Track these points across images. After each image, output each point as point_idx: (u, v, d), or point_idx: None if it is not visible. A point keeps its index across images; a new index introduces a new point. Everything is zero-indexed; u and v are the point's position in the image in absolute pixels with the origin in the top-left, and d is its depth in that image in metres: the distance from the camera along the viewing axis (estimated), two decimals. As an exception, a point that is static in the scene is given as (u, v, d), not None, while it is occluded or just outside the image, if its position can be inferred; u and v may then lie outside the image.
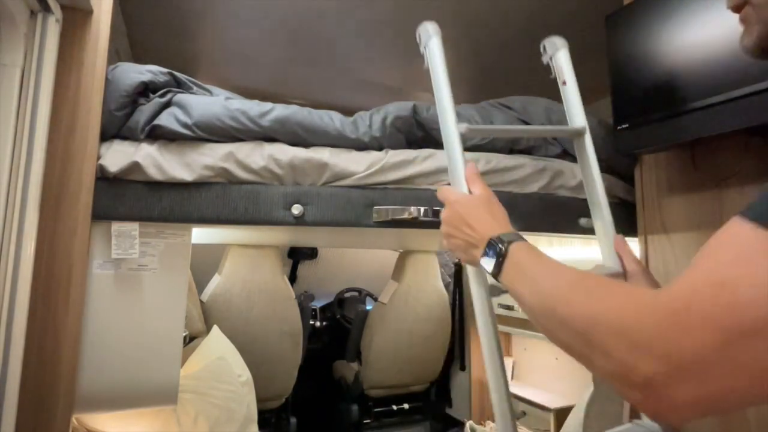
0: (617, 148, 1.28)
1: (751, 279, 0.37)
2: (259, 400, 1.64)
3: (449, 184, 0.91)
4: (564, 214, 1.37)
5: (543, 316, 0.54)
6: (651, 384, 0.40)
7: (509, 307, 2.36)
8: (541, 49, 1.11)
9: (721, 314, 0.38)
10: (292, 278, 3.15)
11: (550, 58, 1.10)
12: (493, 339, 0.84)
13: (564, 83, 1.05)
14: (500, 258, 0.65)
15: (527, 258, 0.63)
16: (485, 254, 0.69)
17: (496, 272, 0.66)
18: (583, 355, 0.47)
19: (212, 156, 1.13)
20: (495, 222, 0.72)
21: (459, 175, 0.87)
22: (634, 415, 1.26)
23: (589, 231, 1.36)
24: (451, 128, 0.92)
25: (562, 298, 0.51)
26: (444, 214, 0.80)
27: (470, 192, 0.83)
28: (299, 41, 1.89)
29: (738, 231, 0.41)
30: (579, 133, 1.03)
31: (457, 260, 2.82)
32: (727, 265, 0.40)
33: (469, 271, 0.84)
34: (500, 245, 0.66)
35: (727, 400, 0.39)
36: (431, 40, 0.98)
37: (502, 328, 2.51)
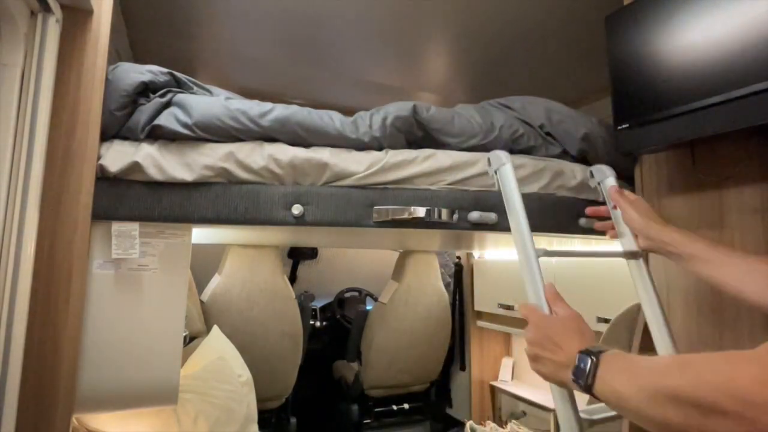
0: (617, 148, 1.28)
1: None
2: (259, 400, 1.64)
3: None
4: (564, 214, 1.37)
5: (652, 406, 0.55)
6: None
7: (509, 307, 2.36)
8: (588, 174, 1.22)
9: None
10: (292, 278, 3.16)
11: (599, 184, 1.19)
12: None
13: (614, 207, 1.12)
14: (593, 368, 0.66)
15: (623, 361, 0.64)
16: (576, 369, 0.69)
17: (590, 383, 0.66)
18: (702, 428, 0.49)
19: (212, 156, 1.13)
20: (584, 340, 0.73)
21: (540, 295, 0.90)
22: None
23: (589, 231, 1.36)
24: (530, 251, 0.96)
25: (669, 381, 0.53)
26: (529, 335, 0.81)
27: (552, 312, 0.86)
28: (299, 41, 1.89)
29: None
30: (633, 255, 1.08)
31: (457, 260, 2.82)
32: None
33: (554, 390, 0.84)
34: (591, 356, 0.67)
35: None
36: (504, 167, 1.08)
37: (502, 328, 2.51)
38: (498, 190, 1.10)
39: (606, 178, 1.18)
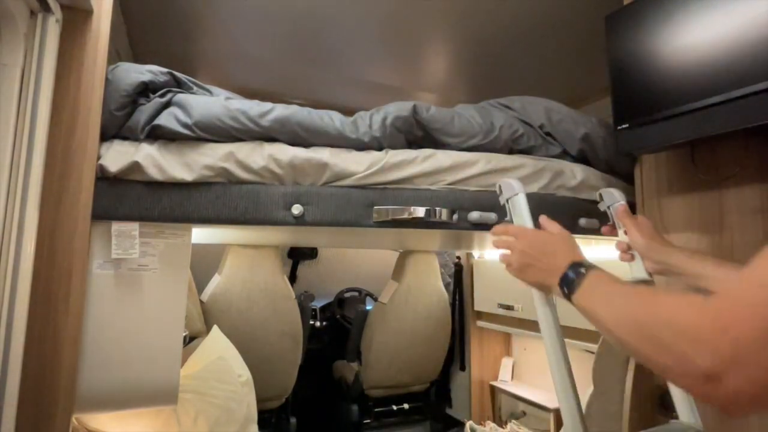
0: (617, 148, 1.27)
1: None
2: (259, 400, 1.64)
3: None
4: (564, 214, 1.37)
5: (617, 327, 0.63)
6: (710, 375, 0.46)
7: (509, 307, 2.36)
8: (598, 197, 1.23)
9: (764, 309, 0.45)
10: (292, 278, 3.15)
11: (608, 207, 1.19)
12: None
13: (625, 233, 1.12)
14: (579, 280, 0.75)
15: (605, 283, 0.72)
16: (564, 276, 0.78)
17: (571, 292, 0.75)
18: (651, 358, 0.55)
19: (212, 156, 1.13)
20: (576, 254, 0.83)
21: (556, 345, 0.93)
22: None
23: (589, 231, 1.36)
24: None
25: (633, 309, 0.61)
26: (521, 246, 0.90)
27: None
28: (299, 41, 1.89)
29: None
30: (645, 284, 1.07)
31: (457, 260, 2.82)
32: None
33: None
34: (582, 268, 0.76)
35: None
36: (517, 197, 1.07)
37: (502, 328, 2.51)
38: (510, 220, 1.07)
39: (616, 202, 1.17)
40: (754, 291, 0.47)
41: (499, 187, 1.10)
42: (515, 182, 1.08)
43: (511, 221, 1.06)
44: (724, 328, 0.46)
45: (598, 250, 1.87)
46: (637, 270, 1.08)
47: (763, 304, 0.45)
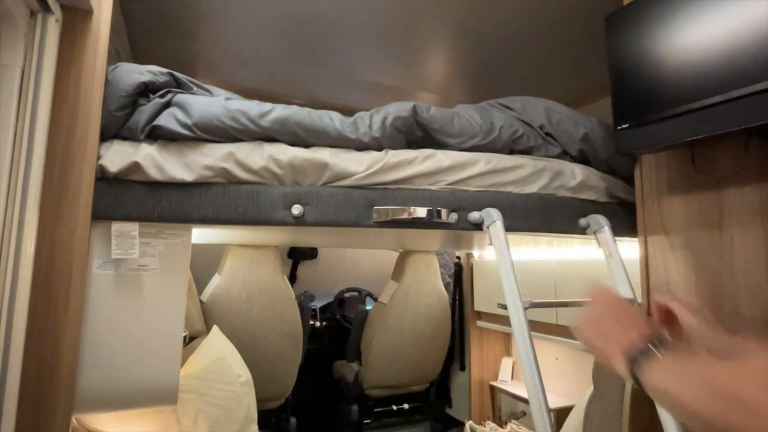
0: (617, 148, 1.27)
1: None
2: (259, 400, 1.64)
3: None
4: (564, 214, 1.37)
5: (715, 409, 0.57)
6: None
7: (509, 307, 2.36)
8: (584, 223, 1.34)
9: None
10: (292, 278, 3.15)
11: (594, 233, 1.30)
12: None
13: (609, 256, 1.22)
14: (650, 356, 0.66)
15: (679, 358, 0.65)
16: (637, 350, 0.68)
17: (641, 369, 0.66)
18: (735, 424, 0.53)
19: (212, 156, 1.13)
20: (645, 325, 0.73)
21: (526, 344, 1.05)
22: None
23: (589, 231, 1.37)
24: (518, 303, 1.09)
25: (742, 388, 0.56)
26: (596, 311, 0.80)
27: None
28: (299, 41, 1.89)
29: None
30: (629, 302, 1.17)
31: (457, 260, 2.82)
32: None
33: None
34: (656, 346, 0.66)
35: None
36: (495, 224, 1.20)
37: (501, 328, 2.51)
38: (489, 243, 1.19)
39: (602, 227, 1.28)
40: None
41: (481, 217, 1.24)
42: (494, 211, 1.22)
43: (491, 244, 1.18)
44: None
45: (597, 250, 1.87)
46: (624, 290, 1.18)
47: None
